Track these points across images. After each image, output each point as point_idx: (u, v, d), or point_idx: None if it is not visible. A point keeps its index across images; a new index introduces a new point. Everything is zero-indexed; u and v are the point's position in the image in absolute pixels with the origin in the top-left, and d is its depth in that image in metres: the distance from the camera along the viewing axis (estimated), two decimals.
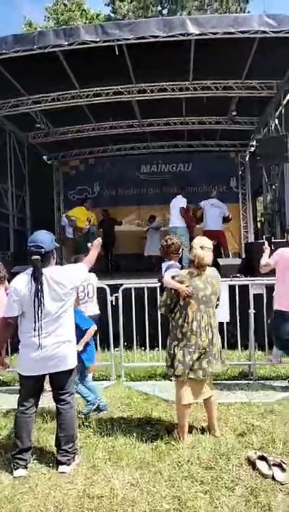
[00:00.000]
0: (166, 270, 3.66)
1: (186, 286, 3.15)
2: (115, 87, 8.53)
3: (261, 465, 2.75)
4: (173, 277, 3.28)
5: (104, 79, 8.25)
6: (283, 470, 2.71)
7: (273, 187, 10.15)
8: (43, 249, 2.83)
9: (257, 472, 2.73)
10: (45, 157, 12.36)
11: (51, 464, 2.98)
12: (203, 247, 3.20)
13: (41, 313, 2.79)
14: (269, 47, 6.87)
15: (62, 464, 2.91)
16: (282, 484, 2.62)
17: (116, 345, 4.95)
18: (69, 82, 8.15)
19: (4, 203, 9.71)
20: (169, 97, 8.72)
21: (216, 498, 2.50)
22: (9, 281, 4.88)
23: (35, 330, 2.81)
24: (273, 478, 2.66)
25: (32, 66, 7.10)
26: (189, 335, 3.14)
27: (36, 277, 2.80)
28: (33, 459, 3.03)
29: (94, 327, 3.89)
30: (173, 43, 6.68)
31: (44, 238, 2.91)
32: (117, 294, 4.89)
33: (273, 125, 9.26)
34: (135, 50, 6.92)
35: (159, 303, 3.43)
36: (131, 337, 4.99)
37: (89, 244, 3.39)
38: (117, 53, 6.63)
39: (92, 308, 4.36)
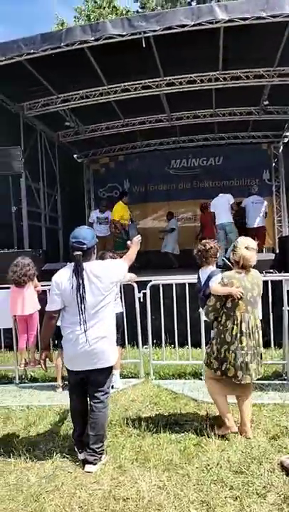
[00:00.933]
0: (207, 279, 3.47)
1: (237, 288, 3.12)
2: (143, 82, 8.42)
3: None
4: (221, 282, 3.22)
5: (132, 73, 8.16)
6: None
7: None
8: (84, 246, 2.88)
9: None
10: (75, 156, 12.47)
11: (78, 463, 2.95)
12: (248, 248, 3.16)
13: (84, 307, 2.82)
14: None
15: (89, 463, 2.89)
16: None
17: (144, 342, 4.88)
18: (97, 78, 8.12)
19: (37, 203, 9.87)
20: (198, 89, 8.50)
21: (247, 505, 2.37)
22: (38, 279, 4.96)
23: (76, 324, 2.85)
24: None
25: (60, 64, 7.13)
26: (239, 336, 3.11)
27: (78, 272, 2.83)
28: (61, 457, 3.02)
29: None
30: (201, 32, 6.49)
31: (86, 234, 2.95)
32: (144, 291, 4.81)
33: None
34: (163, 42, 6.78)
35: (204, 308, 3.36)
36: (160, 334, 4.91)
37: (128, 242, 3.41)
38: (144, 46, 6.52)
39: (116, 307, 4.31)
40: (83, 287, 2.82)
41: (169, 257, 10.51)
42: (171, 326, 4.87)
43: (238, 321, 3.12)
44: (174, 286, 4.88)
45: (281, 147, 11.72)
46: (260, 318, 4.34)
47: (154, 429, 3.34)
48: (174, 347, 4.96)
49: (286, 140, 11.29)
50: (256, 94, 9.14)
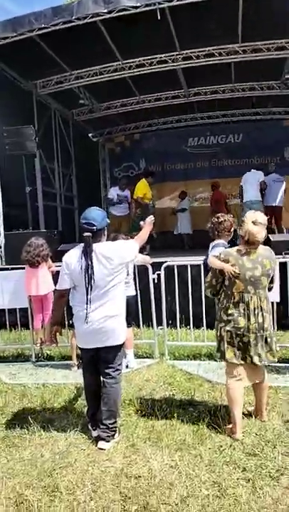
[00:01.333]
0: (211, 250, 3.42)
1: (232, 266, 2.90)
2: (159, 56, 8.15)
3: None
4: (218, 256, 3.03)
5: (147, 48, 7.88)
6: None
7: None
8: (94, 227, 2.88)
9: None
10: (90, 134, 12.32)
11: (91, 440, 2.98)
12: (255, 222, 2.88)
13: (91, 288, 2.84)
14: None
15: (102, 439, 2.92)
16: None
17: (159, 323, 4.85)
18: (111, 53, 7.90)
19: (52, 183, 9.83)
20: (216, 63, 8.17)
21: (259, 487, 2.35)
22: (53, 259, 4.96)
23: (84, 303, 2.87)
24: None
25: (73, 40, 6.96)
26: (236, 316, 2.92)
27: (87, 253, 2.84)
28: (74, 434, 3.06)
29: None
30: (219, 2, 6.19)
31: (96, 215, 2.95)
32: (159, 272, 4.76)
33: None
34: (178, 13, 6.50)
35: (203, 284, 3.26)
36: (174, 315, 4.87)
37: (141, 223, 3.36)
38: (159, 18, 6.27)
39: (128, 290, 4.27)
40: (92, 268, 2.82)
41: (182, 238, 10.39)
42: (186, 307, 4.82)
43: (235, 301, 2.93)
44: (188, 267, 4.81)
45: None
46: (276, 300, 4.24)
47: (168, 409, 3.34)
48: (189, 328, 4.93)
49: None
50: (277, 68, 8.78)
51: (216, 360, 4.54)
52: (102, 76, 8.54)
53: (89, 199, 11.22)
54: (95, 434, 3.01)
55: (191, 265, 4.80)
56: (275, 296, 4.23)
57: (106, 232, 3.05)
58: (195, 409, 3.38)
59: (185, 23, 6.91)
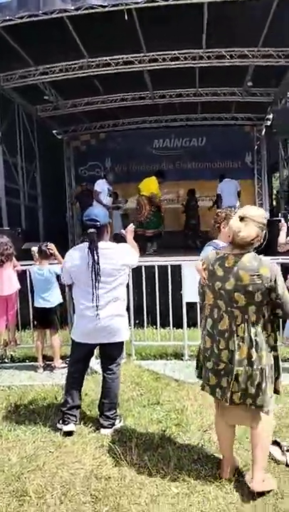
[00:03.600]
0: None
1: (204, 270, 2.37)
2: (125, 57, 8.17)
3: (274, 450, 2.65)
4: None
5: (113, 47, 7.87)
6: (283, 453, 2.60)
7: None
8: (98, 223, 2.91)
9: (270, 458, 2.64)
10: (55, 131, 12.11)
11: (59, 442, 2.94)
12: (244, 218, 2.20)
13: (98, 284, 2.88)
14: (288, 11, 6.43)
15: (104, 427, 3.06)
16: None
17: None
18: (77, 51, 7.83)
19: (15, 179, 9.56)
20: (181, 67, 8.32)
21: (227, 483, 2.42)
22: (17, 258, 4.84)
23: (90, 301, 2.92)
24: (287, 464, 2.56)
25: (39, 34, 6.83)
26: (204, 334, 2.37)
27: (93, 250, 2.87)
28: (42, 437, 3.01)
29: None
30: (186, 6, 6.32)
31: (98, 212, 3.02)
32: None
33: None
34: (146, 15, 6.56)
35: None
36: (142, 315, 4.91)
37: (122, 231, 3.41)
38: (126, 18, 6.29)
39: None
40: (98, 264, 2.86)
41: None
42: (154, 307, 4.87)
43: (206, 314, 2.36)
44: (156, 267, 4.86)
45: (264, 130, 11.71)
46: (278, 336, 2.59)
47: (136, 409, 3.36)
48: (156, 328, 4.98)
49: (269, 123, 11.25)
50: (240, 75, 9.05)
51: (181, 359, 4.66)
52: (67, 73, 8.43)
53: (53, 197, 11.06)
54: (65, 428, 3.02)
55: (158, 266, 4.86)
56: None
57: (108, 230, 3.09)
58: (162, 409, 3.42)
59: (152, 25, 6.97)
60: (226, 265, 2.24)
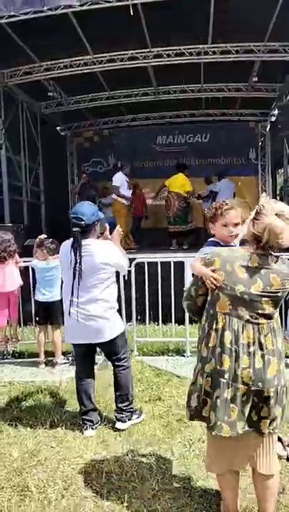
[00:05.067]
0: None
1: (215, 271, 1.90)
2: (130, 52, 8.12)
3: (276, 446, 2.64)
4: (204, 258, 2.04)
5: (118, 43, 7.83)
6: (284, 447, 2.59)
7: None
8: (83, 222, 2.84)
9: None
10: (58, 128, 12.09)
11: (60, 438, 2.95)
12: (281, 216, 1.81)
13: (78, 284, 2.83)
14: None
15: (119, 420, 3.05)
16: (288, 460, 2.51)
17: (128, 319, 4.87)
18: (82, 47, 7.78)
19: (18, 176, 9.56)
20: (186, 63, 8.25)
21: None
22: (20, 255, 4.85)
23: (72, 300, 2.88)
24: (288, 459, 2.56)
25: (43, 30, 6.78)
26: (219, 353, 1.86)
27: (75, 249, 2.83)
28: (44, 432, 3.02)
29: None
30: (191, 2, 6.26)
31: (85, 210, 2.91)
32: (129, 268, 4.76)
33: None
34: (151, 10, 6.51)
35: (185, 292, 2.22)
36: (144, 312, 4.90)
37: (107, 234, 3.15)
38: (131, 14, 6.24)
39: None
40: (80, 264, 2.81)
41: None
42: (156, 304, 4.87)
43: (219, 326, 1.88)
44: (158, 264, 4.85)
45: (268, 126, 11.61)
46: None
47: (138, 405, 3.36)
48: (158, 324, 4.98)
49: (273, 119, 11.18)
50: (246, 71, 8.97)
51: (183, 356, 4.66)
52: (72, 69, 8.39)
53: (56, 194, 11.04)
54: (85, 434, 2.98)
55: (161, 262, 4.85)
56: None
57: (97, 228, 2.99)
58: (164, 404, 3.43)
59: (157, 20, 6.90)
60: (250, 265, 1.86)
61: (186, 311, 2.26)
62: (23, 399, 3.62)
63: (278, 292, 1.86)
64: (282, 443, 2.66)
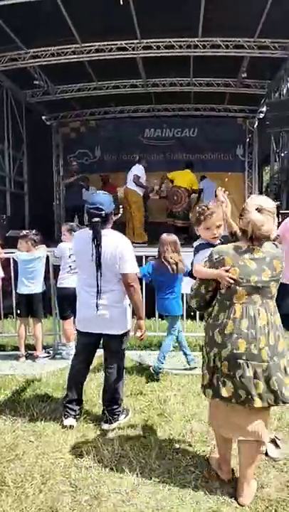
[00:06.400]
0: (194, 253, 2.71)
1: (229, 269, 2.12)
2: (119, 43, 8.01)
3: (268, 445, 2.65)
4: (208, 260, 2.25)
5: (107, 33, 7.72)
6: (277, 446, 2.63)
7: (282, 155, 9.80)
8: (103, 212, 2.82)
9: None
10: (44, 118, 11.87)
11: (39, 432, 2.91)
12: (261, 210, 2.10)
13: (101, 275, 2.82)
14: (286, 1, 6.35)
15: (105, 421, 2.99)
16: (275, 461, 2.55)
17: None
18: (70, 35, 7.63)
19: (1, 165, 9.37)
20: (176, 55, 8.18)
21: (207, 472, 2.43)
22: (2, 246, 4.75)
23: (92, 289, 2.87)
24: (267, 454, 2.58)
25: (31, 17, 6.63)
26: (236, 338, 2.11)
27: (97, 240, 2.80)
28: (22, 426, 2.98)
29: None
30: None
31: (103, 200, 2.89)
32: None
33: (285, 88, 8.81)
34: (141, 0, 6.42)
35: (190, 291, 2.41)
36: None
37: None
38: (121, 3, 6.14)
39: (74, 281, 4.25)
40: (101, 254, 2.79)
41: None
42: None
43: (236, 315, 2.13)
44: (143, 258, 4.81)
45: (256, 122, 11.65)
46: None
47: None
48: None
49: (261, 116, 11.21)
50: (235, 66, 8.95)
51: None
52: (59, 57, 8.23)
53: (40, 185, 10.88)
54: (64, 422, 2.98)
55: (145, 256, 4.81)
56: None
57: (113, 217, 2.97)
58: (145, 398, 3.42)
59: (147, 11, 6.82)
60: (256, 256, 2.13)
61: (194, 307, 2.42)
62: (2, 392, 3.56)
63: (280, 274, 2.17)
64: (275, 444, 2.66)
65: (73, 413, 3.01)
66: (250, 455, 2.24)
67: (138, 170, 8.33)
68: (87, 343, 3.07)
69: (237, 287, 2.12)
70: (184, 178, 8.55)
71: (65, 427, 2.94)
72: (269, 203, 2.14)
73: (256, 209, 2.10)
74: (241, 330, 2.11)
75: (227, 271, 2.12)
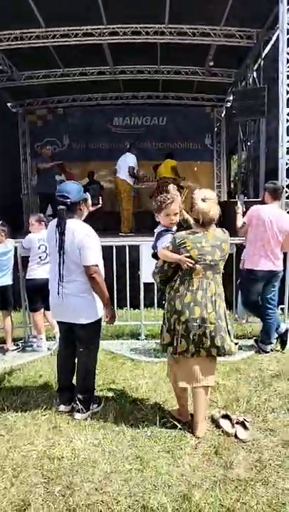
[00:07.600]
0: (157, 238, 2.89)
1: (188, 252, 2.59)
2: (84, 28, 7.82)
3: (225, 424, 2.76)
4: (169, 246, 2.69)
5: (72, 18, 7.50)
6: (246, 428, 2.72)
7: (249, 143, 9.94)
8: (68, 200, 2.84)
9: (220, 431, 2.74)
10: (9, 105, 11.48)
11: (10, 425, 2.88)
12: (205, 199, 2.61)
13: (63, 263, 2.84)
14: None
15: (76, 411, 3.00)
16: (244, 442, 2.63)
17: None
18: (34, 18, 7.39)
19: None
20: (143, 42, 8.09)
21: (179, 456, 2.49)
22: None
23: (56, 277, 2.89)
24: (236, 436, 2.67)
25: None
26: (192, 306, 2.61)
27: (61, 228, 2.81)
28: None
29: None
30: None
31: (71, 188, 2.91)
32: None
33: (251, 78, 8.91)
34: None
35: (153, 270, 2.84)
36: None
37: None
38: None
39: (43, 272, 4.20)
40: (63, 243, 2.80)
41: None
42: (110, 288, 4.82)
43: (194, 288, 2.63)
44: (113, 248, 4.80)
45: (224, 111, 11.74)
46: None
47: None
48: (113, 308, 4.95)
49: (229, 104, 11.31)
50: (202, 54, 8.96)
51: (138, 339, 4.69)
52: (22, 42, 7.96)
53: (7, 173, 10.56)
54: (60, 408, 3.05)
55: (116, 246, 4.80)
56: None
57: (82, 207, 2.97)
58: (118, 387, 3.44)
59: None
60: (210, 240, 2.64)
61: (156, 282, 2.89)
62: None
63: (227, 254, 2.73)
64: (230, 421, 2.76)
65: (64, 400, 3.07)
66: (202, 398, 2.76)
67: (133, 161, 8.26)
68: (64, 330, 3.11)
69: (196, 265, 2.61)
70: (167, 170, 8.56)
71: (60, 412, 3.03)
72: (211, 194, 2.68)
73: (202, 199, 2.62)
74: (197, 299, 2.63)
75: (187, 257, 2.59)
